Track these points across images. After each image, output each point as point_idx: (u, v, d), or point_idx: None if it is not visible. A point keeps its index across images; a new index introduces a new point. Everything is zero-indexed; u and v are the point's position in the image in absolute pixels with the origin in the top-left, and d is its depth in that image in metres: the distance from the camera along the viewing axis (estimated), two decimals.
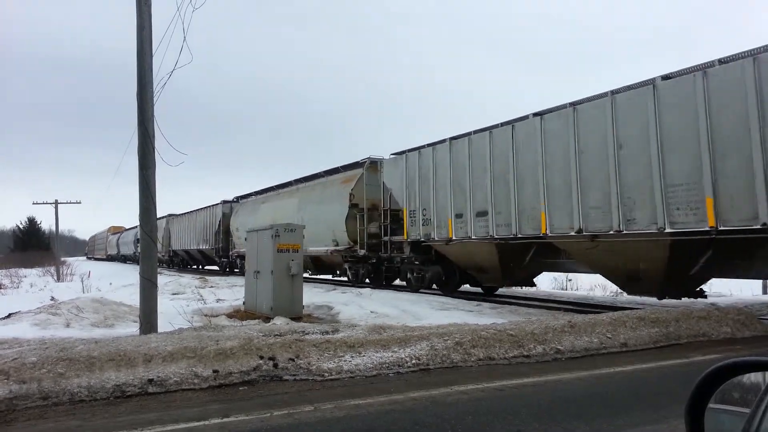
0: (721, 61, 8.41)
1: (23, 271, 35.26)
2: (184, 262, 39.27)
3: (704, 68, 8.51)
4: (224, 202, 30.43)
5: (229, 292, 15.85)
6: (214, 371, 5.43)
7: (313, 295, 13.52)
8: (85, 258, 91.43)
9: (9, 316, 10.09)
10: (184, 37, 7.85)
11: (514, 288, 15.26)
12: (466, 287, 15.62)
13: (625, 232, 9.41)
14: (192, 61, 8.03)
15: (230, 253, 28.97)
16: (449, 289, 14.82)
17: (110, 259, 66.28)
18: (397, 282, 17.75)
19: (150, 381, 5.16)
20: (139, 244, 11.92)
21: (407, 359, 6.03)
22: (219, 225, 30.09)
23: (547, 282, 18.49)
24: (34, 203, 67.34)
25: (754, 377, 1.41)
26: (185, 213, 38.40)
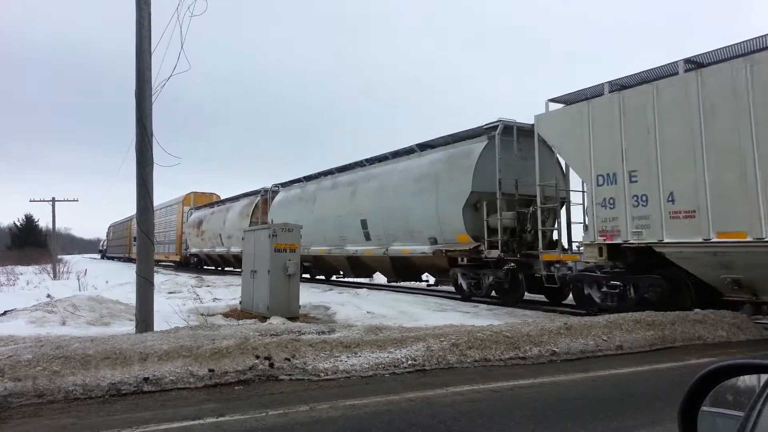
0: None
1: (20, 269, 35.15)
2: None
3: None
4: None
5: (226, 292, 15.84)
6: (210, 370, 5.42)
7: (309, 295, 13.51)
8: (99, 257, 68.46)
9: (5, 313, 10.07)
10: (182, 44, 7.85)
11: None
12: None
13: None
14: (190, 69, 8.04)
15: None
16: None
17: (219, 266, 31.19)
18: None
19: (145, 380, 5.16)
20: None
21: (403, 360, 6.03)
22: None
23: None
24: (31, 200, 65.13)
25: (748, 380, 1.41)
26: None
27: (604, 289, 10.21)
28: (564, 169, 12.38)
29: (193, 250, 32.76)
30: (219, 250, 28.42)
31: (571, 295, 11.63)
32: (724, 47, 8.51)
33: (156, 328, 7.69)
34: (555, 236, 12.68)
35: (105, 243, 69.23)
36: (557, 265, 11.36)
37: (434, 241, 13.88)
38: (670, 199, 8.78)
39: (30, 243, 64.43)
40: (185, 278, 22.91)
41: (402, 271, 16.23)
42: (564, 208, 12.30)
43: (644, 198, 9.19)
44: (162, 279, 20.55)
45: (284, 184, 23.72)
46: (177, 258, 36.61)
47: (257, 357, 5.71)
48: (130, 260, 47.33)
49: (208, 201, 34.67)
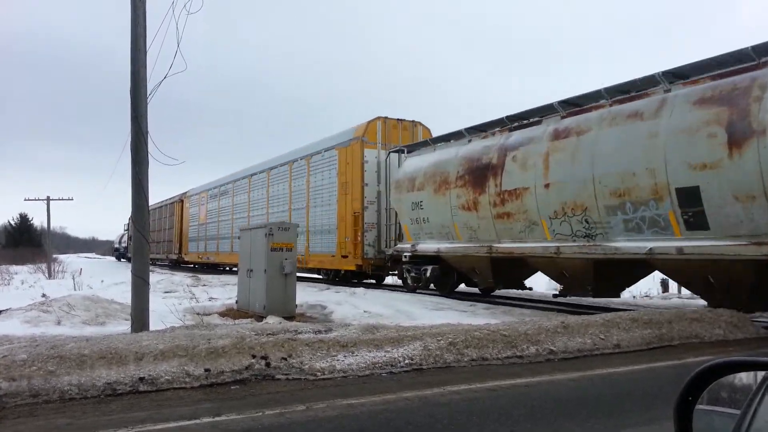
0: None
1: (14, 268, 35.02)
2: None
3: None
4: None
5: (222, 291, 15.80)
6: (206, 370, 5.40)
7: (306, 295, 13.48)
8: (115, 258, 56.50)
9: (0, 313, 10.02)
10: (178, 42, 7.81)
11: None
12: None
13: None
14: (186, 69, 8.00)
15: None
16: None
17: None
18: None
19: (141, 379, 5.13)
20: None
21: (400, 359, 6.02)
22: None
23: (543, 283, 18.37)
24: (25, 199, 62.49)
25: (744, 377, 1.40)
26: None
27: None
28: None
29: (444, 246, 13.26)
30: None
31: None
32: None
33: (152, 327, 7.67)
34: None
35: (123, 238, 51.04)
36: None
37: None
38: None
39: (25, 242, 64.15)
40: (181, 277, 22.85)
41: None
42: None
43: None
44: (158, 278, 20.49)
45: None
46: (353, 264, 16.40)
47: (254, 356, 5.70)
48: (178, 266, 27.73)
49: (411, 137, 16.56)
